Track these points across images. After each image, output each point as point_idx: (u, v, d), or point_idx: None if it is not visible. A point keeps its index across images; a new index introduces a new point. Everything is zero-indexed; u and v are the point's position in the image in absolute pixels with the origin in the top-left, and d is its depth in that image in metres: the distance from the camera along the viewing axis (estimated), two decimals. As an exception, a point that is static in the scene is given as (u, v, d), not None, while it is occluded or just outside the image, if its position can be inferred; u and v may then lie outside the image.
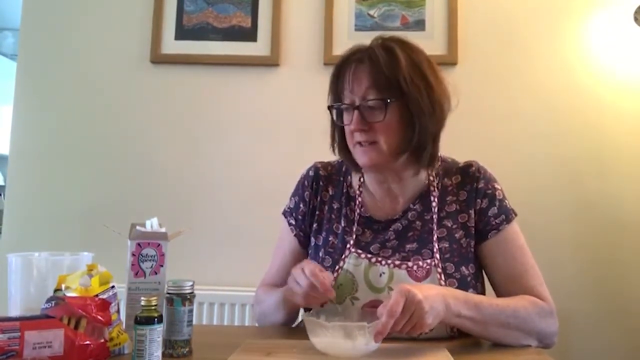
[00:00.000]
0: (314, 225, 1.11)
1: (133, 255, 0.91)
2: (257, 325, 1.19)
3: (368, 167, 1.05)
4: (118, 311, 0.86)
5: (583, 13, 1.81)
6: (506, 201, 1.07)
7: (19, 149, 1.89)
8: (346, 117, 1.04)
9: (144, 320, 0.75)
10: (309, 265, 0.92)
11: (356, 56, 1.03)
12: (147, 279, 0.91)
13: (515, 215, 1.06)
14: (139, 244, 0.92)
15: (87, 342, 0.75)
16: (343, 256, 1.03)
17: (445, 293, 0.90)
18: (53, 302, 0.78)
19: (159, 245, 0.93)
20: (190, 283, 0.85)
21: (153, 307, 0.76)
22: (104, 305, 0.80)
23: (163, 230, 0.95)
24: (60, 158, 1.87)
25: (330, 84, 1.07)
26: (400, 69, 0.99)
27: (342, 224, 1.08)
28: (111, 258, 0.98)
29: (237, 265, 1.78)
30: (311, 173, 1.15)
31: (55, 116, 1.88)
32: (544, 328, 0.96)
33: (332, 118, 1.08)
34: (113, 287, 0.86)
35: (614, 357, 1.69)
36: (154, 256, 0.92)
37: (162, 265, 0.93)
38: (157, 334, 0.75)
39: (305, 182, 1.15)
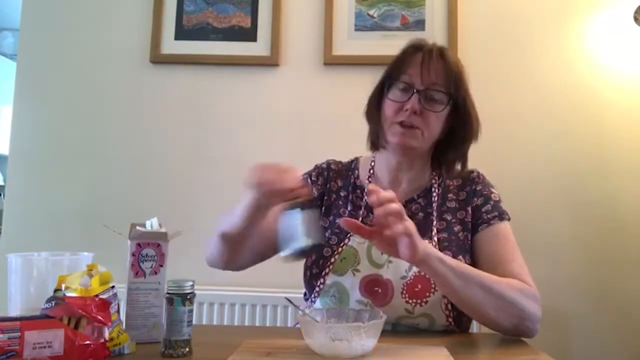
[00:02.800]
0: (322, 209, 1.18)
1: (133, 255, 0.91)
2: (207, 261, 1.18)
3: (399, 147, 1.10)
4: (118, 311, 0.86)
5: (584, 13, 1.81)
6: (501, 204, 1.13)
7: (19, 149, 1.89)
8: (398, 95, 1.09)
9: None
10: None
11: (427, 48, 1.10)
12: (147, 279, 0.91)
13: (509, 218, 1.11)
14: (139, 244, 0.92)
15: (87, 342, 0.75)
16: (348, 235, 1.09)
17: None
18: (53, 302, 0.78)
19: (159, 245, 0.93)
20: (190, 283, 0.85)
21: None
22: (104, 305, 0.80)
23: (163, 230, 0.94)
24: (60, 158, 1.87)
25: (395, 60, 1.12)
26: (466, 85, 1.11)
27: (349, 209, 1.15)
28: (111, 258, 0.98)
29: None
30: (324, 165, 1.25)
31: (55, 116, 1.89)
32: (527, 307, 0.95)
33: (377, 89, 1.14)
34: (113, 287, 0.86)
35: (614, 357, 1.69)
36: (154, 256, 0.92)
37: (162, 265, 0.92)
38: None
39: (317, 170, 1.23)
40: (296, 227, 0.85)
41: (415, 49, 1.10)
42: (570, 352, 1.67)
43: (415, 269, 1.02)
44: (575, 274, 1.71)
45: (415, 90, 1.06)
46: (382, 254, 1.05)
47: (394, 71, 1.11)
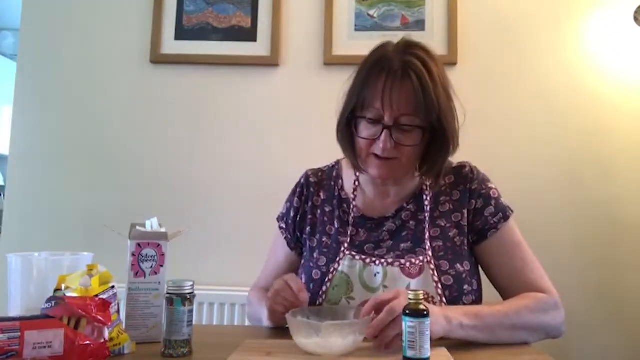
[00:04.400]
0: (307, 229, 1.13)
1: (133, 255, 0.91)
2: (251, 324, 1.20)
3: (380, 179, 1.06)
4: (118, 311, 0.86)
5: (583, 13, 1.81)
6: (502, 199, 1.09)
7: (19, 149, 1.89)
8: (368, 130, 1.01)
9: (414, 313, 0.77)
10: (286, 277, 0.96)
11: (392, 66, 0.98)
12: (147, 279, 0.91)
13: (512, 212, 1.08)
14: (139, 244, 0.92)
15: (87, 342, 0.75)
16: (338, 258, 1.04)
17: (443, 308, 0.91)
18: (53, 302, 0.78)
19: (159, 245, 0.93)
20: (190, 283, 0.85)
21: (420, 301, 0.79)
22: (104, 305, 0.80)
23: (163, 230, 0.94)
24: (60, 158, 1.87)
25: (353, 87, 1.03)
26: (439, 97, 0.98)
27: (336, 226, 1.10)
28: (111, 258, 0.98)
29: (237, 265, 1.78)
30: (302, 181, 1.19)
31: (55, 116, 1.89)
32: (549, 322, 0.97)
33: (345, 121, 1.05)
34: (113, 287, 0.86)
35: (614, 357, 1.69)
36: (154, 256, 0.92)
37: (162, 265, 0.93)
38: (426, 327, 0.77)
39: (297, 190, 1.18)
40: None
41: (378, 71, 0.99)
42: (570, 352, 1.67)
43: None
44: (575, 275, 1.71)
45: (384, 126, 0.97)
46: (375, 275, 1.01)
47: (359, 103, 1.01)
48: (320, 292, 1.03)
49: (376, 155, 1.01)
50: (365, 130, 1.01)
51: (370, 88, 0.99)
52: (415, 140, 0.99)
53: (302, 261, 1.13)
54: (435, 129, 1.00)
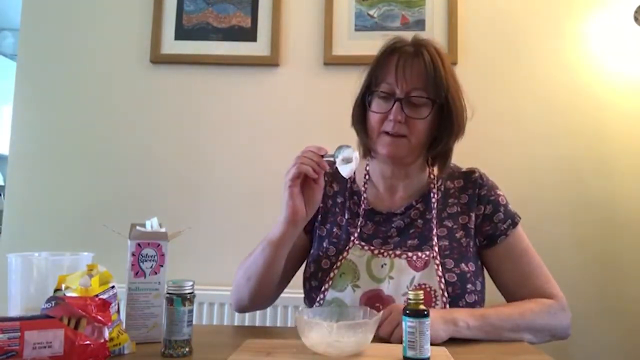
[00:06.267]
0: (318, 217, 1.15)
1: (133, 255, 0.91)
2: (231, 303, 1.17)
3: (389, 158, 1.08)
4: (118, 311, 0.86)
5: (583, 13, 1.81)
6: (509, 206, 1.11)
7: (19, 149, 1.89)
8: (380, 105, 1.06)
9: (414, 313, 0.79)
10: None
11: (405, 48, 1.05)
12: (147, 279, 0.91)
13: (520, 218, 1.10)
14: (139, 244, 0.92)
15: (87, 342, 0.75)
16: (347, 247, 1.07)
17: (449, 310, 0.95)
18: (53, 302, 0.78)
19: (159, 245, 0.93)
20: (190, 283, 0.85)
21: (420, 301, 0.80)
22: (104, 305, 0.80)
23: (163, 230, 0.94)
24: (60, 158, 1.87)
25: (371, 68, 1.09)
26: (448, 79, 1.04)
27: (346, 217, 1.13)
28: (111, 258, 0.99)
29: (236, 265, 1.77)
30: None
31: (55, 116, 1.88)
32: (555, 324, 1.01)
33: (359, 100, 1.11)
34: (113, 287, 0.86)
35: (614, 356, 1.69)
36: (154, 256, 0.92)
37: (162, 265, 0.93)
38: (426, 327, 0.78)
39: None
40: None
41: (390, 52, 1.07)
42: (570, 352, 1.67)
43: (416, 284, 1.01)
44: (575, 274, 1.71)
45: (395, 99, 1.03)
46: (381, 267, 1.04)
47: (373, 80, 1.08)
48: (327, 279, 1.05)
49: (387, 133, 1.04)
50: (377, 106, 1.06)
51: (384, 66, 1.06)
52: (424, 114, 1.03)
53: (311, 250, 1.14)
54: (442, 109, 1.04)
